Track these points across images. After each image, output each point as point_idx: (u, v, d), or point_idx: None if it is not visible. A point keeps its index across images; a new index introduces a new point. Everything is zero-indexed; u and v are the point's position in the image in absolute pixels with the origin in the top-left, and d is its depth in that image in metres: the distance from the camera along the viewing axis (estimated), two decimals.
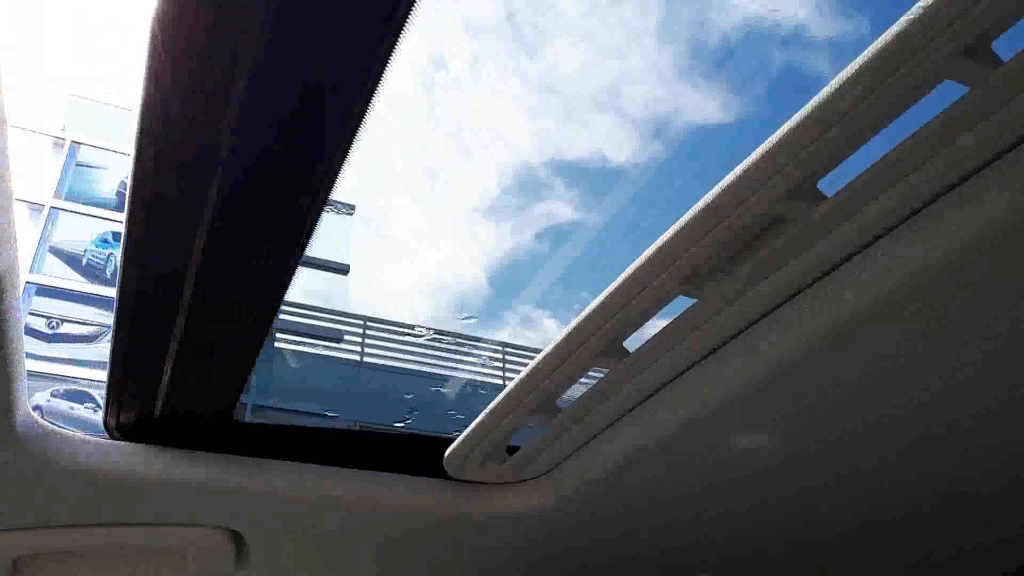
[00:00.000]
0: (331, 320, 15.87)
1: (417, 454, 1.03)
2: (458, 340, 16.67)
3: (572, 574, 1.15)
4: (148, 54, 0.50)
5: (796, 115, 0.58)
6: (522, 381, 0.86)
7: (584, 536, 1.09)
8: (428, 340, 16.76)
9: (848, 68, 0.55)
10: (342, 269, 15.68)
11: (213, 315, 0.77)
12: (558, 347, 0.81)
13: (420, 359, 16.32)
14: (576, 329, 0.78)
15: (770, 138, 0.60)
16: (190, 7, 0.47)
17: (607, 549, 1.12)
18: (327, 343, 15.07)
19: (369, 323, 16.49)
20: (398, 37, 0.52)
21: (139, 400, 0.87)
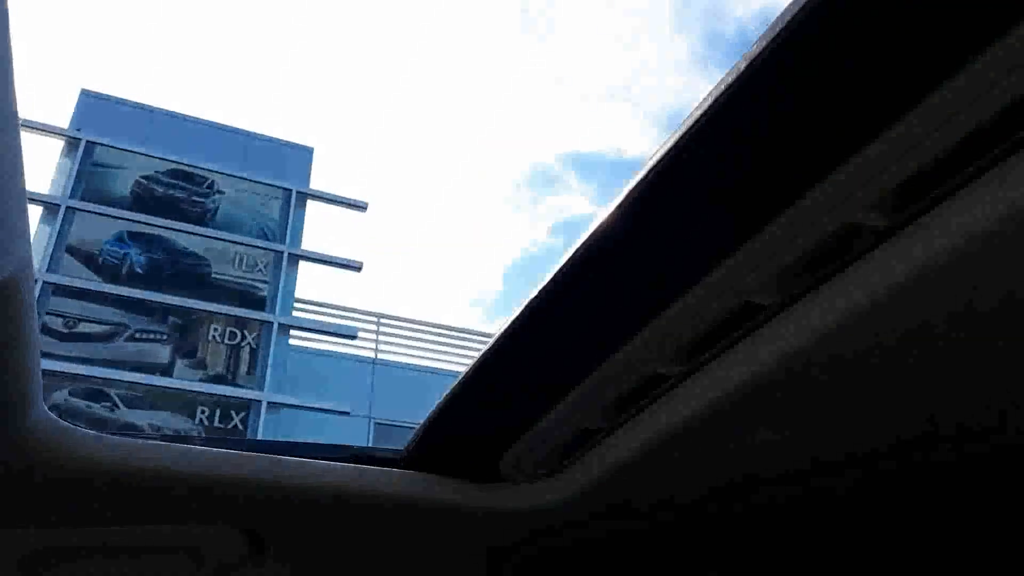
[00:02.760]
0: (344, 317, 15.99)
1: (440, 452, 1.02)
2: (470, 336, 16.72)
3: (592, 568, 1.15)
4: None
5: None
6: (586, 387, 0.87)
7: (603, 530, 1.08)
8: (442, 337, 16.86)
9: None
10: (355, 266, 15.78)
11: (538, 376, 0.90)
12: (626, 353, 0.81)
13: (435, 356, 16.44)
14: (647, 335, 0.78)
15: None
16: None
17: (626, 542, 1.12)
18: (341, 339, 15.17)
19: (383, 320, 16.61)
20: None
21: (444, 434, 0.99)
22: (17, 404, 0.77)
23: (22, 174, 0.66)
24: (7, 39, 0.56)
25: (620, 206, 0.67)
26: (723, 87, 0.57)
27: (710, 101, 0.58)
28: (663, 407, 0.86)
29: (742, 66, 0.56)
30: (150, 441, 0.91)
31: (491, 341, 0.86)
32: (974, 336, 0.68)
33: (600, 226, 0.70)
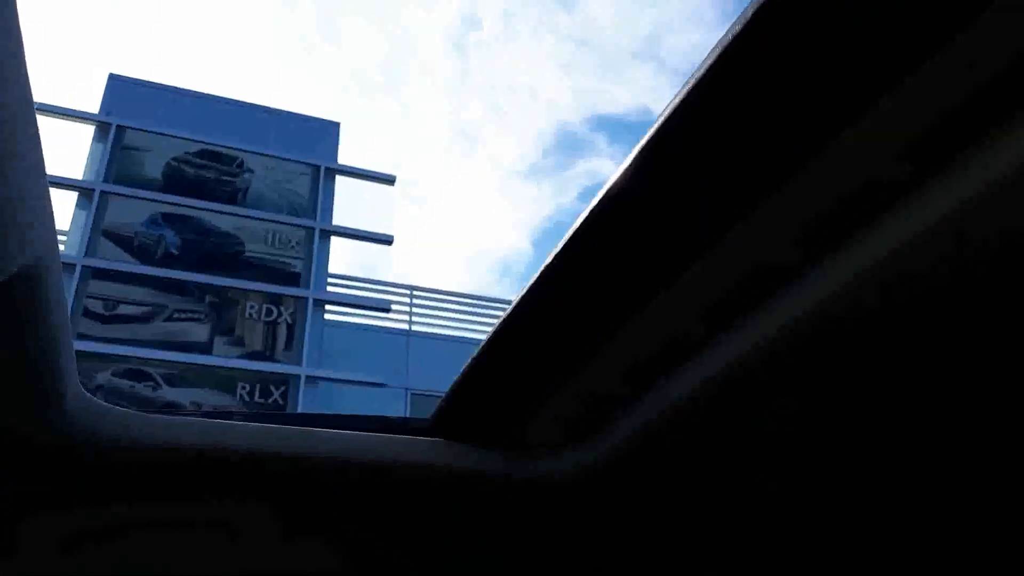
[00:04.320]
0: (377, 290, 16.10)
1: (466, 420, 1.03)
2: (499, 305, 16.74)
3: (619, 537, 1.15)
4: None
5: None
6: (610, 351, 0.86)
7: (630, 498, 1.08)
8: (474, 307, 16.92)
9: None
10: (386, 240, 15.84)
11: (556, 344, 0.90)
12: (649, 315, 0.80)
13: (467, 326, 16.51)
14: (670, 296, 0.77)
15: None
16: None
17: (654, 510, 1.11)
18: (375, 312, 15.30)
19: (415, 292, 16.69)
20: None
21: (469, 402, 0.99)
22: (51, 386, 0.79)
23: (42, 160, 0.66)
24: (17, 24, 0.56)
25: (633, 165, 0.66)
26: (730, 36, 0.56)
27: (718, 51, 0.57)
28: (690, 370, 0.85)
29: (748, 13, 0.54)
30: (185, 417, 0.93)
31: (510, 306, 0.86)
32: (1005, 293, 0.66)
33: (614, 186, 0.68)
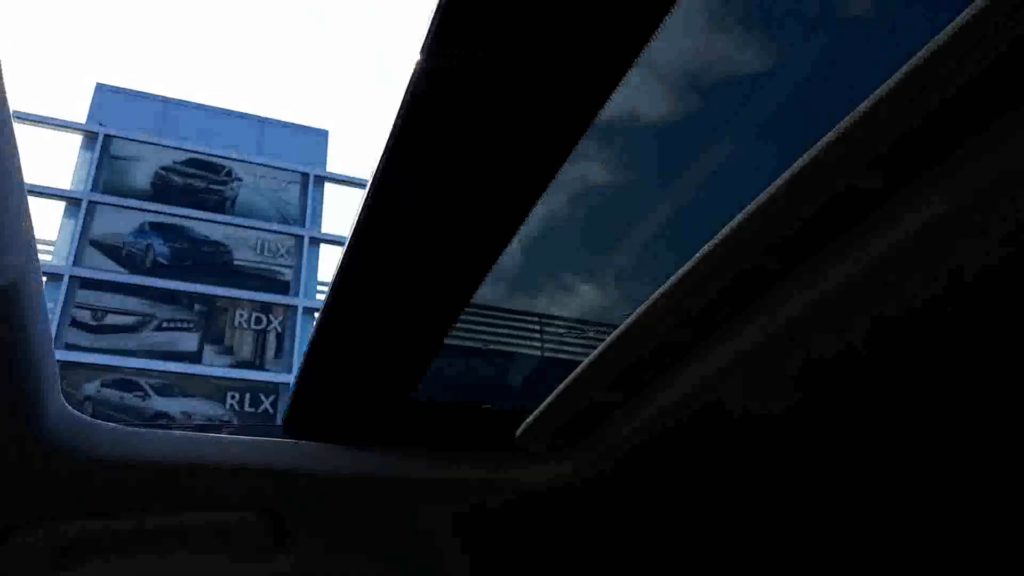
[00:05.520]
0: None
1: (455, 428, 1.02)
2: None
3: (610, 542, 1.15)
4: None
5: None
6: (601, 356, 0.85)
7: (618, 502, 1.07)
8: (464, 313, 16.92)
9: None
10: None
11: (400, 330, 0.91)
12: (635, 322, 0.79)
13: (456, 333, 16.50)
14: (657, 303, 0.77)
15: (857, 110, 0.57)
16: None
17: (646, 517, 1.11)
18: None
19: None
20: None
21: (321, 400, 0.97)
22: (33, 401, 0.78)
23: (20, 176, 0.66)
24: None
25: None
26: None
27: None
28: (675, 376, 0.85)
29: None
30: (167, 431, 0.92)
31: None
32: (978, 302, 0.66)
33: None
